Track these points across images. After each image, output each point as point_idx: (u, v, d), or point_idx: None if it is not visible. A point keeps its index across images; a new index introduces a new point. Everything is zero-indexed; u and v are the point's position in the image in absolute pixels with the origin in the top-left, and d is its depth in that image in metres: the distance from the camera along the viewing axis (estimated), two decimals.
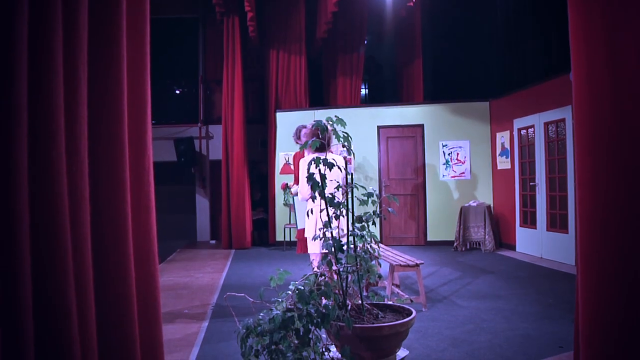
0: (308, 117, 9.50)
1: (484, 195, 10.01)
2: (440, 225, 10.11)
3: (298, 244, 5.48)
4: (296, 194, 6.03)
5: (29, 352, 1.40)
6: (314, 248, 4.34)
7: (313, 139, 3.10)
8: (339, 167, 3.10)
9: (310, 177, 2.91)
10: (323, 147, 3.50)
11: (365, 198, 3.08)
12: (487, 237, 9.29)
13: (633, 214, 2.38)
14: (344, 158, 4.27)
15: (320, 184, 2.89)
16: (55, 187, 1.57)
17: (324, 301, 2.74)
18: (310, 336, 2.60)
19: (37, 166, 1.53)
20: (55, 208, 1.56)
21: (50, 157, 1.55)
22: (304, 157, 4.95)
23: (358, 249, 3.01)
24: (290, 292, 2.72)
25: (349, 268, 2.93)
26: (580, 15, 2.54)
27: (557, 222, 8.05)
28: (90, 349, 1.68)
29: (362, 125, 10.26)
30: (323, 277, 2.80)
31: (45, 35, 1.58)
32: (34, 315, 1.45)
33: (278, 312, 2.61)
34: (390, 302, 3.24)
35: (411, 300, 5.13)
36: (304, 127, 5.42)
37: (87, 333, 1.67)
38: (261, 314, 2.68)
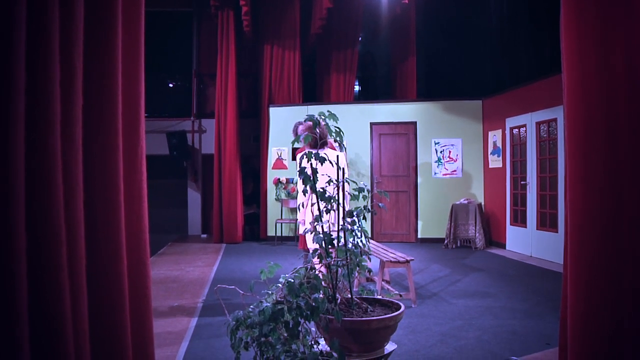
0: (301, 113, 9.49)
1: (475, 194, 10.06)
2: (431, 222, 10.16)
3: (300, 239, 5.50)
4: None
5: (22, 330, 1.41)
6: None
7: (305, 133, 3.10)
8: (330, 162, 3.11)
9: (301, 171, 2.92)
10: (316, 142, 3.52)
11: (357, 193, 3.09)
12: (477, 235, 9.35)
13: (621, 211, 2.41)
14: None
15: (311, 178, 2.91)
16: (51, 173, 1.58)
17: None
18: (299, 329, 2.62)
19: (34, 152, 1.54)
20: (50, 194, 1.58)
21: (47, 144, 1.57)
22: (303, 151, 4.93)
23: (348, 243, 3.03)
24: (280, 285, 2.73)
25: (338, 262, 2.95)
26: (572, 17, 2.56)
27: (547, 221, 8.11)
28: (82, 332, 1.70)
29: (355, 122, 10.28)
30: (313, 270, 2.81)
31: (42, 24, 1.59)
32: (28, 297, 1.47)
33: (268, 304, 2.62)
34: (379, 297, 3.26)
35: (400, 296, 5.17)
36: (301, 123, 5.40)
37: (79, 317, 1.69)
38: (251, 306, 2.69)
